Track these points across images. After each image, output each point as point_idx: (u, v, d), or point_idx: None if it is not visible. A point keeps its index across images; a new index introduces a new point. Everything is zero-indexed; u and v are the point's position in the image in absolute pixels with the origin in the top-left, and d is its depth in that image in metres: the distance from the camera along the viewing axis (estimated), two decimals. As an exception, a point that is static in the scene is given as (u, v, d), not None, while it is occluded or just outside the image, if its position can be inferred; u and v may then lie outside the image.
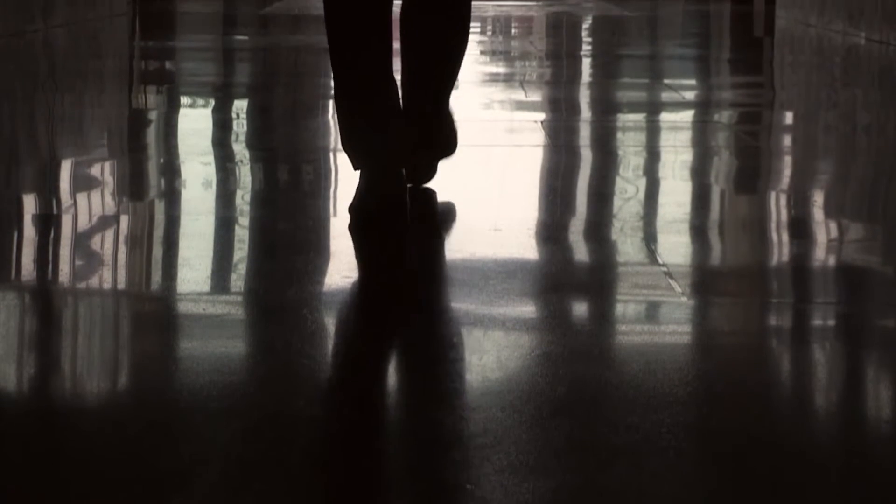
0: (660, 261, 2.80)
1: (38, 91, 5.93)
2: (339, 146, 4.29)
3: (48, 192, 3.59)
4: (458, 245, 2.97)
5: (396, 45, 3.21)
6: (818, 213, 3.35)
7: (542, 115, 5.07)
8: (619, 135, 4.70)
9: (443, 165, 3.53)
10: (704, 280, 2.74)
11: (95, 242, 2.98)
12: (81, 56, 7.60)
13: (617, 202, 3.50)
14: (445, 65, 3.32)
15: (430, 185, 3.47)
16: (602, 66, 7.25)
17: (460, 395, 2.00)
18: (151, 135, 4.68)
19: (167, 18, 10.64)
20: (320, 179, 3.87)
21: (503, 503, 1.58)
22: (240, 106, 5.49)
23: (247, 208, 3.38)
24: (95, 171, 3.87)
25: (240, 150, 4.36)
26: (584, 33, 9.80)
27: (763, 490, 1.64)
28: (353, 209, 3.05)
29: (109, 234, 3.07)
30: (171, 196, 3.52)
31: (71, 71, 6.77)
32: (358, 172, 3.11)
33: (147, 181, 3.78)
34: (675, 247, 2.97)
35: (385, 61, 3.08)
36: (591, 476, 1.68)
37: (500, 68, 6.90)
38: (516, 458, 1.71)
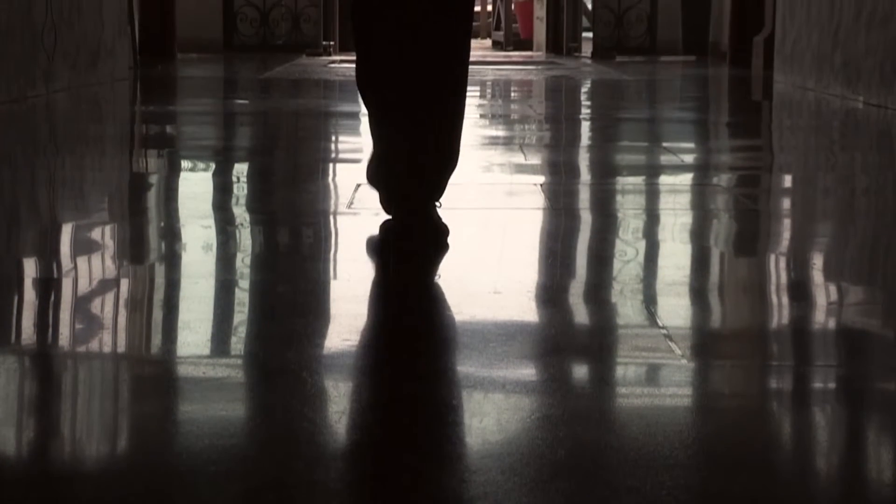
0: (660, 323, 2.80)
1: (39, 155, 5.95)
2: (339, 209, 4.31)
3: (48, 256, 3.59)
4: (458, 307, 2.97)
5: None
6: (818, 276, 3.35)
7: (541, 179, 5.08)
8: (619, 198, 4.72)
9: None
10: (704, 342, 2.73)
11: (95, 306, 2.98)
12: (82, 120, 7.63)
13: (616, 265, 3.50)
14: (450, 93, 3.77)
15: (431, 249, 3.47)
16: (601, 129, 7.28)
17: (461, 457, 1.99)
18: (152, 198, 4.70)
19: (168, 83, 10.69)
20: (320, 243, 3.88)
21: (504, 567, 1.57)
22: (240, 169, 5.50)
23: (247, 271, 3.39)
24: (96, 234, 3.87)
25: (240, 213, 4.37)
26: (583, 97, 9.84)
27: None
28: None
29: (109, 297, 3.07)
30: (172, 259, 3.53)
31: (72, 135, 6.80)
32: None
33: (147, 245, 3.79)
34: (675, 309, 2.97)
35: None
36: (592, 539, 1.67)
37: (500, 131, 6.92)
38: (517, 521, 1.70)
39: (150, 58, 12.23)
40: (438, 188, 3.64)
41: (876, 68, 7.93)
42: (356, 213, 4.21)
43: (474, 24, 22.57)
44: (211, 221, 4.15)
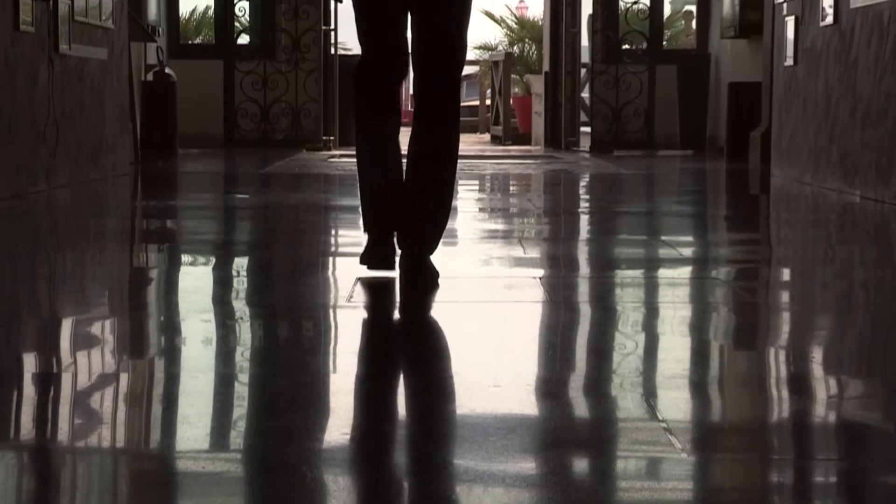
0: (659, 417, 2.80)
1: (40, 250, 5.97)
2: (339, 302, 4.31)
3: (48, 351, 3.59)
4: (458, 400, 2.97)
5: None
6: (817, 370, 3.35)
7: (540, 272, 5.09)
8: (618, 291, 4.72)
9: (442, 320, 3.54)
10: (705, 436, 2.73)
11: (95, 401, 2.98)
12: (83, 215, 7.66)
13: (616, 358, 3.50)
14: (446, 161, 4.67)
15: (430, 342, 3.48)
16: (600, 222, 7.30)
17: (461, 552, 1.98)
18: (152, 293, 4.71)
19: (169, 178, 10.74)
20: (320, 336, 3.88)
21: None
22: (240, 263, 5.52)
23: (246, 365, 3.39)
24: (96, 329, 3.88)
25: (240, 307, 4.37)
26: (581, 190, 9.88)
27: None
28: (363, 260, 4.72)
29: (109, 392, 3.07)
30: (171, 353, 3.53)
31: (73, 230, 6.82)
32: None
33: (147, 339, 3.79)
34: (675, 402, 2.97)
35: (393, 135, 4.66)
36: None
37: (499, 225, 6.95)
38: None
39: (152, 153, 12.30)
40: (436, 244, 4.74)
41: (872, 163, 7.98)
42: (356, 307, 4.21)
43: (474, 118, 22.59)
44: (211, 315, 4.16)
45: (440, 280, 4.55)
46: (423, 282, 4.56)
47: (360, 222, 5.01)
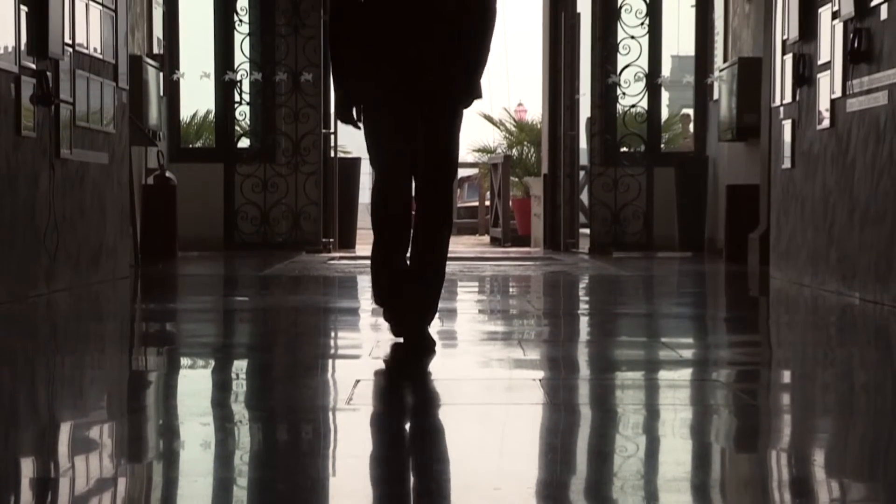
0: (661, 520, 2.78)
1: (39, 354, 5.97)
2: (338, 405, 4.30)
3: (47, 455, 3.58)
4: (458, 503, 2.95)
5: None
6: (819, 473, 3.34)
7: (540, 374, 5.09)
8: (618, 393, 4.71)
9: (443, 422, 3.52)
10: (706, 540, 2.71)
11: (93, 504, 2.96)
12: (83, 319, 7.66)
13: (617, 460, 3.49)
14: (435, 273, 5.71)
15: (431, 445, 3.46)
16: (599, 324, 7.30)
17: None
18: (151, 396, 4.69)
19: (169, 281, 10.75)
20: (319, 439, 3.86)
21: None
22: (239, 366, 5.51)
23: (245, 469, 3.37)
24: (94, 433, 3.86)
25: (239, 410, 4.36)
26: (581, 292, 9.89)
27: None
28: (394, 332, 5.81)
29: (107, 497, 3.05)
30: (170, 457, 3.51)
31: (72, 334, 6.82)
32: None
33: (146, 443, 3.77)
34: (676, 506, 2.95)
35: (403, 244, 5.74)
36: None
37: (499, 327, 6.94)
38: None
39: (152, 256, 12.33)
40: (433, 315, 5.74)
41: (871, 265, 7.99)
42: (355, 409, 4.20)
43: (473, 220, 22.65)
44: (210, 419, 4.14)
45: (438, 350, 5.33)
46: (423, 347, 5.55)
47: (372, 297, 6.16)
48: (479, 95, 5.66)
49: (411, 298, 5.69)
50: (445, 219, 5.74)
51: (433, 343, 5.61)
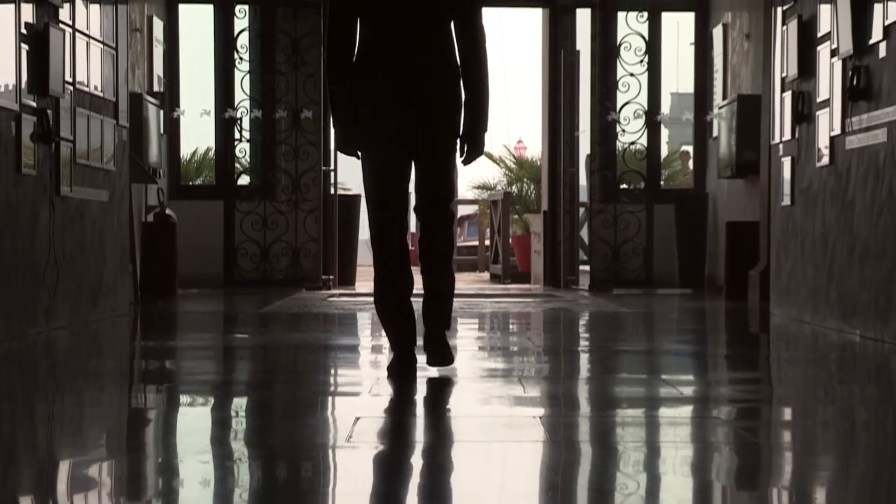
0: (662, 559, 2.77)
1: (38, 391, 5.95)
2: (338, 443, 4.29)
3: (45, 494, 3.57)
4: (459, 544, 2.94)
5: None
6: (820, 510, 3.32)
7: (541, 411, 5.08)
8: (619, 430, 4.70)
9: (442, 460, 3.51)
10: (708, 578, 2.70)
11: (92, 543, 2.95)
12: (82, 356, 7.65)
13: (618, 498, 3.48)
14: (445, 296, 6.10)
15: (431, 482, 3.45)
16: (600, 361, 7.29)
17: None
18: (150, 434, 4.68)
19: (169, 318, 10.75)
20: (319, 477, 3.85)
21: None
22: (239, 404, 5.50)
23: (245, 507, 3.36)
24: (93, 471, 3.85)
25: (238, 448, 4.35)
26: (581, 329, 9.89)
27: None
28: (389, 374, 5.98)
29: (106, 534, 3.04)
30: (169, 496, 3.50)
31: (71, 371, 6.81)
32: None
33: (145, 481, 3.76)
34: (678, 544, 2.94)
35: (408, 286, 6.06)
36: None
37: (499, 364, 6.93)
38: None
39: (152, 293, 12.33)
40: (449, 322, 6.15)
41: (871, 302, 7.99)
42: (355, 447, 4.19)
43: (473, 257, 22.66)
44: (209, 457, 4.13)
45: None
46: (443, 354, 6.04)
47: (386, 341, 6.38)
48: (482, 151, 6.02)
49: (428, 315, 6.07)
50: (445, 242, 6.04)
51: (451, 355, 6.10)
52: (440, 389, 5.62)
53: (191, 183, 15.99)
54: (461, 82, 5.91)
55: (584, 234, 16.72)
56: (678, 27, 15.92)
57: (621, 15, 15.26)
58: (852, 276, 8.41)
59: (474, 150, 5.97)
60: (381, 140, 5.90)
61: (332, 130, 5.98)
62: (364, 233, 14.79)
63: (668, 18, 15.51)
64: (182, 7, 15.20)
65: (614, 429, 4.74)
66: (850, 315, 8.41)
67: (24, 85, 8.06)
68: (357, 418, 4.65)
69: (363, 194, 6.11)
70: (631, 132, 15.35)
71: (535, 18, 17.09)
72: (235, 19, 15.08)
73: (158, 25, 14.40)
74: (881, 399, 5.71)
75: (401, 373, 5.93)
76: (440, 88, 5.90)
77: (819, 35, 9.28)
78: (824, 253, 9.10)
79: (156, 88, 14.13)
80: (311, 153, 15.05)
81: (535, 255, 17.43)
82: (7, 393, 5.75)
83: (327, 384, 6.27)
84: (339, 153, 6.07)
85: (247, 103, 15.06)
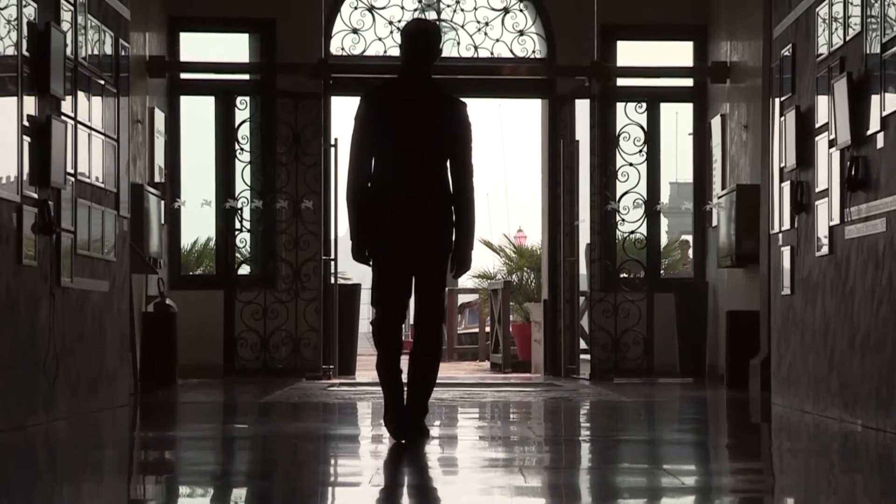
0: None
1: (36, 483, 5.93)
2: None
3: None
4: None
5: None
6: None
7: (542, 501, 5.05)
8: (620, 522, 4.68)
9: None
10: None
11: None
12: (82, 447, 7.62)
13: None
14: (428, 377, 7.14)
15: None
16: (601, 450, 7.27)
17: None
18: (149, 525, 4.65)
19: (168, 408, 10.72)
20: (319, 570, 3.83)
21: None
22: (238, 494, 5.48)
23: None
24: (92, 562, 3.83)
25: (238, 540, 4.32)
26: (582, 418, 9.86)
27: None
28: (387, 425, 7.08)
29: None
30: (169, 588, 3.48)
31: (70, 462, 6.78)
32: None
33: (144, 573, 3.74)
34: None
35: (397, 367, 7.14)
36: None
37: (499, 453, 6.91)
38: None
39: (152, 383, 12.30)
40: (426, 409, 7.18)
41: (872, 392, 7.97)
42: (355, 540, 4.17)
43: (474, 346, 22.63)
44: (209, 549, 4.11)
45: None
46: (419, 431, 7.04)
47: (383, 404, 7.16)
48: (469, 267, 7.20)
49: (410, 402, 7.09)
50: (437, 343, 7.29)
51: (427, 431, 7.19)
52: (441, 480, 5.59)
53: (191, 273, 16.01)
54: (452, 207, 7.14)
55: (584, 322, 16.71)
56: (677, 117, 16.01)
57: (620, 105, 15.36)
58: (853, 366, 8.40)
59: (462, 266, 7.18)
60: (388, 260, 7.11)
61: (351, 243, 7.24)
62: (364, 324, 14.78)
63: (666, 109, 15.61)
64: (183, 98, 15.30)
65: (616, 520, 4.71)
66: (852, 405, 8.39)
67: (25, 176, 8.10)
68: (357, 509, 4.62)
69: (364, 285, 6.82)
70: (630, 221, 15.39)
71: (534, 109, 17.18)
72: (236, 110, 15.18)
73: (160, 116, 14.49)
74: (884, 489, 5.69)
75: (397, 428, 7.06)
76: (436, 213, 7.12)
77: (817, 126, 9.34)
78: (825, 342, 9.10)
79: (157, 179, 14.19)
80: (312, 243, 15.09)
81: (535, 343, 17.41)
82: (6, 484, 5.72)
83: (327, 474, 6.25)
84: (353, 259, 7.27)
85: (247, 193, 15.12)
